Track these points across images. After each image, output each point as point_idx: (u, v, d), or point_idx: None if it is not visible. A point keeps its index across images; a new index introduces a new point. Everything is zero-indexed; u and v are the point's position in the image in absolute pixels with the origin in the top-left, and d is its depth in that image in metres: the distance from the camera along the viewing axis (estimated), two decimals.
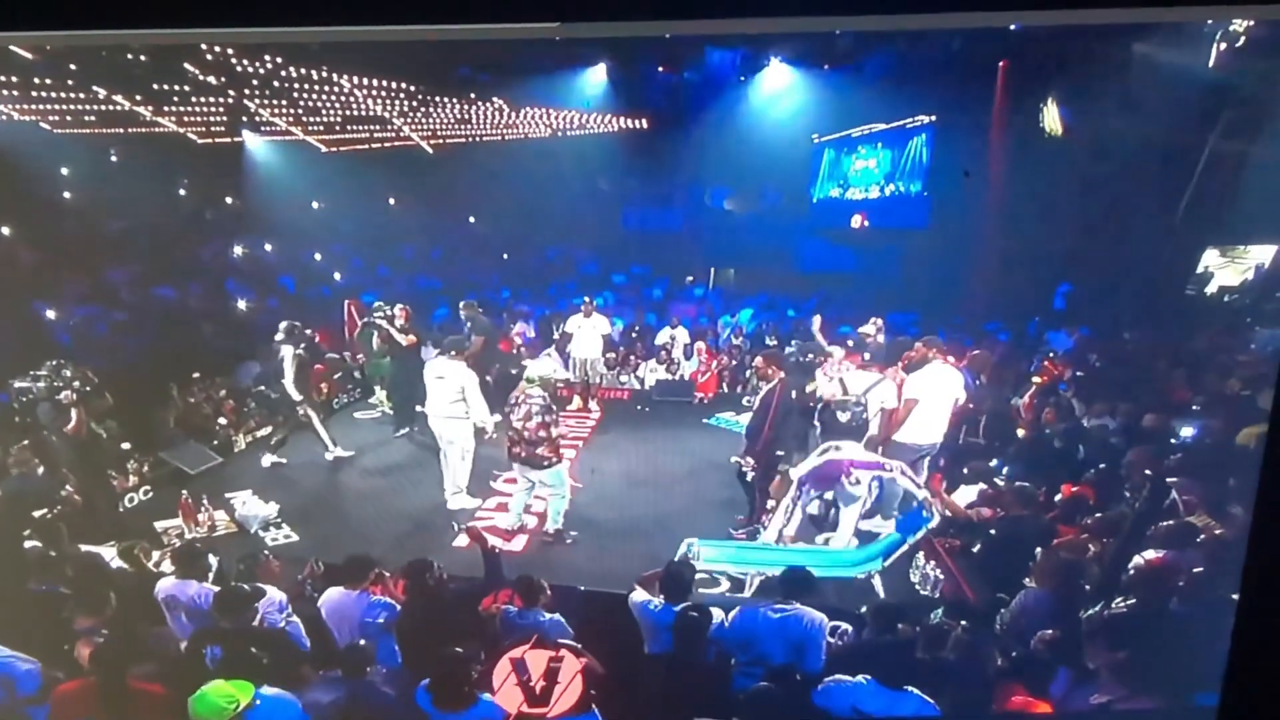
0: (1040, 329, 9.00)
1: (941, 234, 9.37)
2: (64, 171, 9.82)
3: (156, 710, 4.34)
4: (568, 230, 10.90)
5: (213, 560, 5.60)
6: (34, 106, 8.46)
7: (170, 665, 4.77)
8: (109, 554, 5.77)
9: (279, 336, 7.90)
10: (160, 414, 7.88)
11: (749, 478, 6.50)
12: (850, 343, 7.40)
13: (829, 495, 6.23)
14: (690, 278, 11.63)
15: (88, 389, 6.73)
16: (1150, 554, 4.69)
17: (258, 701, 4.18)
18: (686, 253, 11.32)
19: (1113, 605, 4.46)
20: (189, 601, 5.16)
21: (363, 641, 4.81)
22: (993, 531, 5.64)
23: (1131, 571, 4.64)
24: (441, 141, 11.14)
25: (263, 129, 10.12)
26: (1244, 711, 3.87)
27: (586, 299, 8.89)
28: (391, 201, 12.01)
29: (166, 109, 9.34)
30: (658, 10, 3.57)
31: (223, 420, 8.21)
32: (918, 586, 5.59)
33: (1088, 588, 4.82)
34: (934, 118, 9.26)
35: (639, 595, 4.90)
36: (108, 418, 7.19)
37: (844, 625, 4.93)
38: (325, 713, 4.57)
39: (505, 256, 11.60)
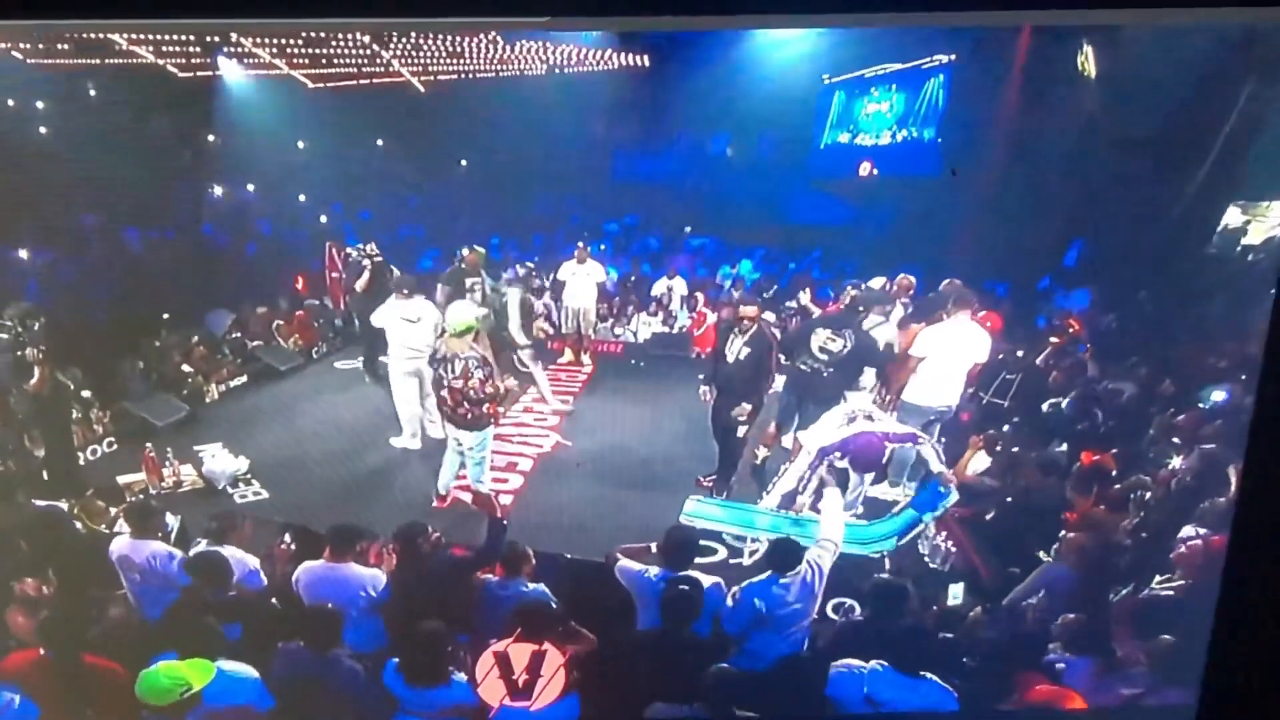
0: (1052, 286, 8.57)
1: (952, 183, 8.83)
2: (39, 106, 9.29)
3: (108, 689, 4.01)
4: (560, 175, 10.34)
5: (171, 519, 5.28)
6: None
7: (125, 636, 4.46)
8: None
9: (506, 275, 7.78)
10: (126, 362, 7.46)
11: (740, 432, 6.09)
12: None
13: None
14: (688, 228, 11.10)
15: (43, 347, 6.26)
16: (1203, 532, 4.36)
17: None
18: (684, 201, 10.78)
19: (1152, 586, 4.14)
20: (144, 563, 4.81)
21: (330, 606, 4.47)
22: (1009, 499, 5.30)
23: (1182, 549, 4.31)
24: (433, 78, 10.57)
25: (245, 61, 9.53)
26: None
27: (580, 244, 8.40)
28: (379, 143, 11.47)
29: (143, 36, 8.75)
30: (646, 5, 3.58)
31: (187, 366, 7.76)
32: (927, 559, 5.25)
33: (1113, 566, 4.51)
34: (953, 57, 8.69)
35: (629, 564, 4.56)
36: (72, 366, 6.81)
37: (848, 601, 4.61)
38: (289, 687, 4.27)
39: (495, 202, 11.06)
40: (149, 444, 6.43)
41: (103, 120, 9.04)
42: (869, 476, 5.63)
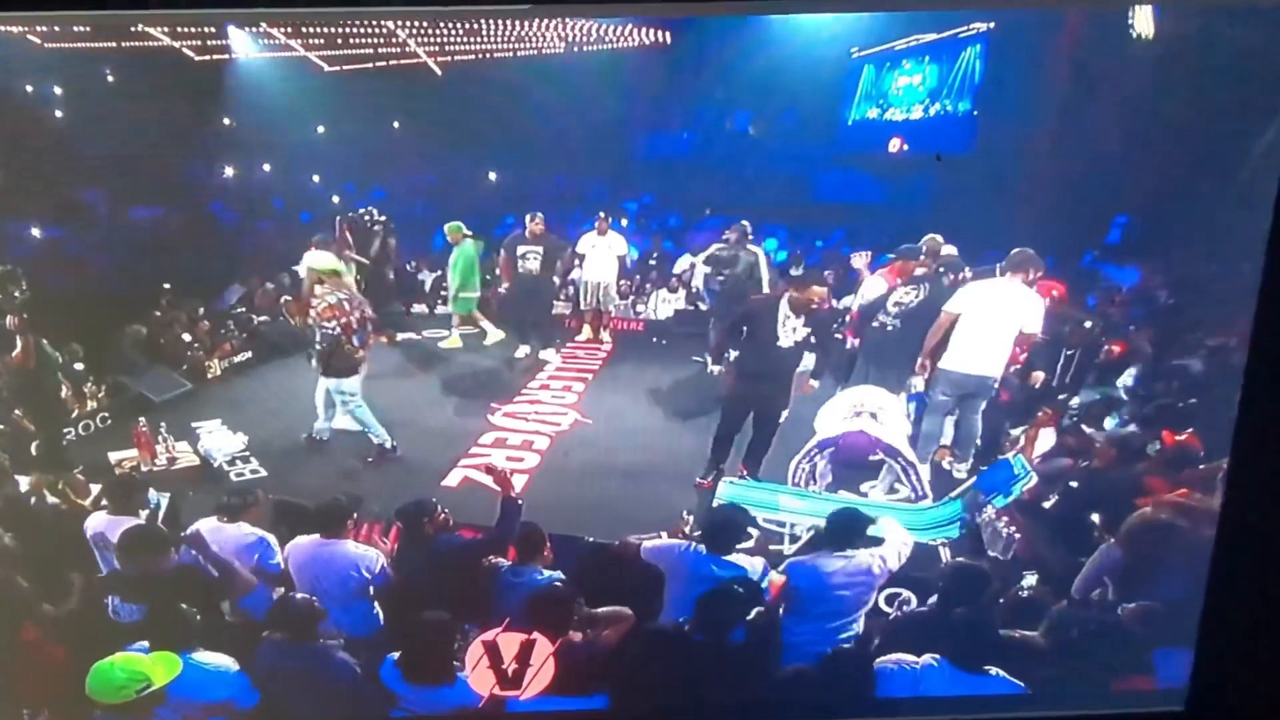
0: (1095, 263, 7.90)
1: (988, 159, 8.16)
2: (57, 91, 8.84)
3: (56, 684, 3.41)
4: (577, 155, 9.72)
5: (156, 496, 4.72)
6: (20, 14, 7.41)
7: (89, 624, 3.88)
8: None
9: (732, 237, 7.63)
10: (125, 335, 6.90)
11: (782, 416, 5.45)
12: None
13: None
14: (709, 210, 10.46)
15: (25, 315, 5.72)
16: None
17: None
18: (705, 180, 10.12)
19: None
20: None
21: (306, 597, 3.89)
22: (1075, 484, 4.65)
23: None
24: (450, 59, 10.03)
25: (260, 43, 8.99)
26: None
27: (601, 214, 7.77)
28: (395, 125, 10.97)
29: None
30: None
31: (189, 338, 7.18)
32: (986, 546, 4.59)
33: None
34: (991, 25, 8.01)
35: (659, 541, 3.99)
36: (66, 338, 6.28)
37: (904, 592, 3.99)
38: (275, 681, 3.69)
39: (509, 181, 10.49)
40: (141, 419, 5.87)
41: (116, 102, 8.55)
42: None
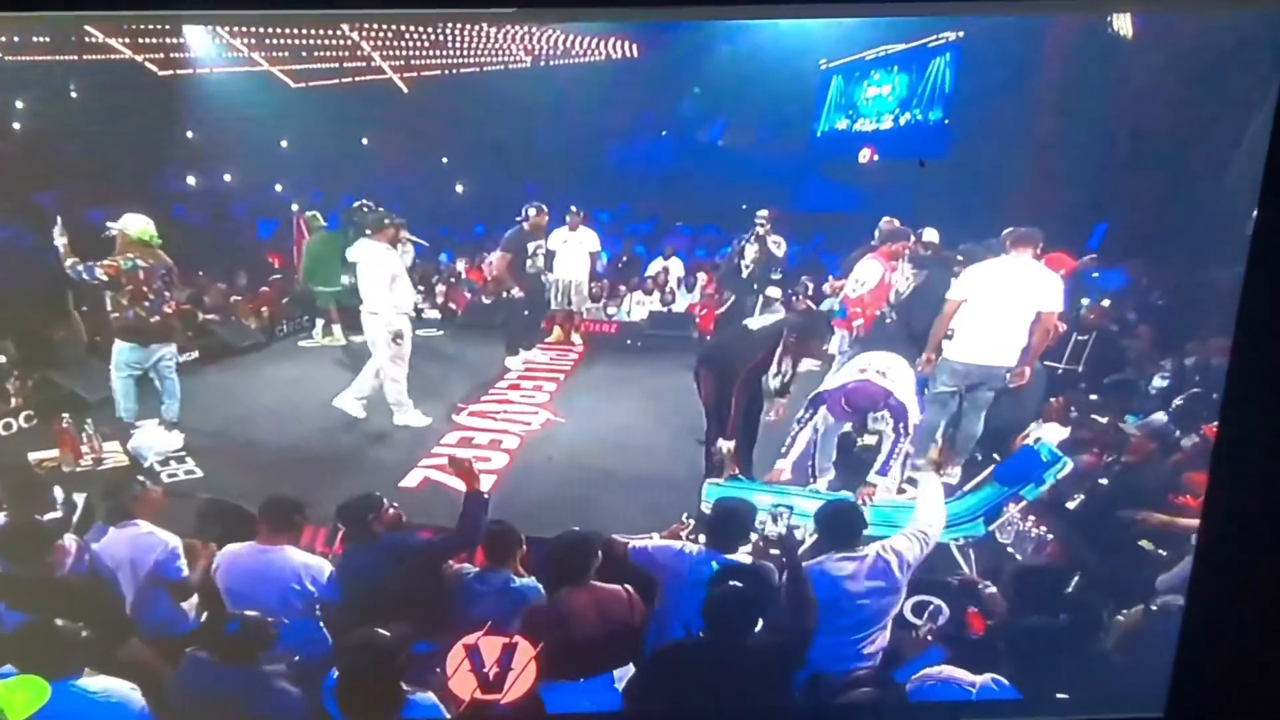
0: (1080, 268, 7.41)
1: (962, 166, 7.63)
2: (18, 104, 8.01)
3: None
4: (547, 165, 9.07)
5: (62, 494, 3.86)
6: None
7: None
8: None
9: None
10: (59, 330, 6.01)
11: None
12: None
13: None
14: (679, 221, 9.88)
15: None
16: None
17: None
18: (676, 192, 9.54)
19: None
20: None
21: (253, 613, 3.03)
22: (1103, 481, 3.98)
23: None
24: (415, 74, 9.37)
25: (224, 57, 8.24)
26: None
27: (573, 208, 7.06)
28: (364, 141, 10.29)
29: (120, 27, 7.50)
30: None
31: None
32: (1009, 548, 3.89)
33: None
34: (961, 34, 7.52)
35: (666, 541, 3.23)
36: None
37: (934, 601, 3.27)
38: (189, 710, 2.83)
39: (482, 191, 9.83)
40: (65, 416, 4.98)
41: (76, 114, 7.75)
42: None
